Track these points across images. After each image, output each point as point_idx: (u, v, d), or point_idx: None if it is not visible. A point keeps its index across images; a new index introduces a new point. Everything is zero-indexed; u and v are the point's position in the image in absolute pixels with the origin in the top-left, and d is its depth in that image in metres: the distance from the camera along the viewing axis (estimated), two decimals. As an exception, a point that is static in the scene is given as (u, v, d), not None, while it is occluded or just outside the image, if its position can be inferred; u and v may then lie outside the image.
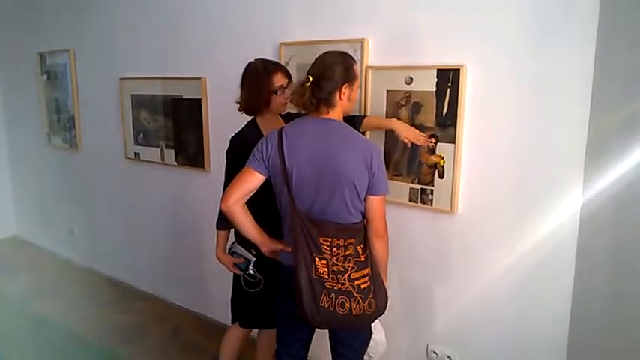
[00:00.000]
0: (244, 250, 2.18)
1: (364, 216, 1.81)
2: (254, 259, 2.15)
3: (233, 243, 2.23)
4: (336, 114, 1.80)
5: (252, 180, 1.82)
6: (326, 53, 1.85)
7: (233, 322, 2.41)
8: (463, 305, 2.31)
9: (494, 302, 2.23)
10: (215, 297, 3.33)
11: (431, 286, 2.33)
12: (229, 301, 2.38)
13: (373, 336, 2.02)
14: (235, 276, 2.30)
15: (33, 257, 4.70)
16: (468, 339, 2.33)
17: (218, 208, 2.13)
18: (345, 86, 1.76)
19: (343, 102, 1.79)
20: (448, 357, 2.38)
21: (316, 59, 1.81)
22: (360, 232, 1.79)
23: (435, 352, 2.41)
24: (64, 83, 4.16)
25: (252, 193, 1.85)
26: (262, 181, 1.84)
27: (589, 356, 1.92)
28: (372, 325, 2.00)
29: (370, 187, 1.76)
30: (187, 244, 3.47)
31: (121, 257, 4.06)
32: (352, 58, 1.83)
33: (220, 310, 3.01)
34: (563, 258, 2.02)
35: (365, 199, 1.78)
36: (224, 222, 2.15)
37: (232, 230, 2.22)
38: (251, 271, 2.18)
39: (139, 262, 3.90)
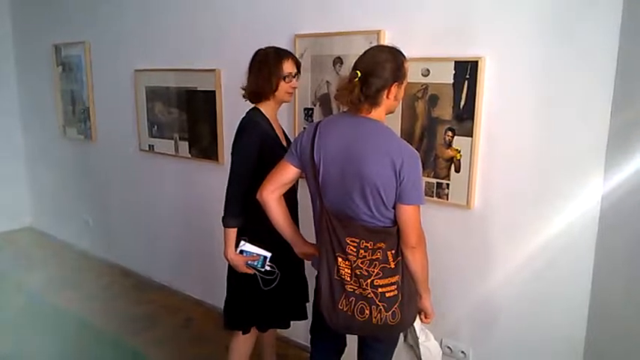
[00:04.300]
0: (257, 248, 2.09)
1: (395, 223, 1.69)
2: (270, 254, 2.08)
3: (242, 243, 2.11)
4: (377, 113, 1.68)
5: (286, 172, 1.79)
6: (376, 48, 1.75)
7: (238, 328, 2.24)
8: (478, 301, 2.29)
9: (510, 298, 2.20)
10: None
11: (446, 281, 2.31)
12: (226, 307, 2.27)
13: (424, 342, 1.88)
14: (235, 280, 2.18)
15: (48, 248, 4.75)
16: (483, 334, 2.31)
17: (224, 203, 2.08)
18: (394, 85, 1.65)
19: (389, 101, 1.68)
20: (462, 352, 2.36)
21: (365, 53, 1.69)
22: (392, 236, 1.66)
23: (449, 347, 2.39)
24: (79, 75, 4.18)
25: (288, 186, 1.82)
26: (297, 175, 1.80)
27: (606, 353, 1.90)
28: (417, 332, 1.87)
29: (399, 195, 1.62)
30: (201, 236, 3.48)
31: (135, 248, 4.09)
32: (403, 55, 1.70)
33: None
34: (582, 253, 1.99)
35: (395, 207, 1.66)
36: (234, 218, 2.07)
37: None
38: (268, 268, 2.09)
39: (153, 253, 3.92)
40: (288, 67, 2.06)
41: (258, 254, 2.09)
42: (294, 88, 2.12)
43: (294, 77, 2.09)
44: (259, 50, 2.12)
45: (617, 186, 1.80)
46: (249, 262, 2.10)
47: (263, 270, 2.10)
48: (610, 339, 1.86)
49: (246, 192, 1.97)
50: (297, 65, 2.13)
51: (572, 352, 2.07)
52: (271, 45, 2.15)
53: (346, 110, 1.75)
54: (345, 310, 1.65)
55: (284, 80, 2.06)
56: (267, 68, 2.04)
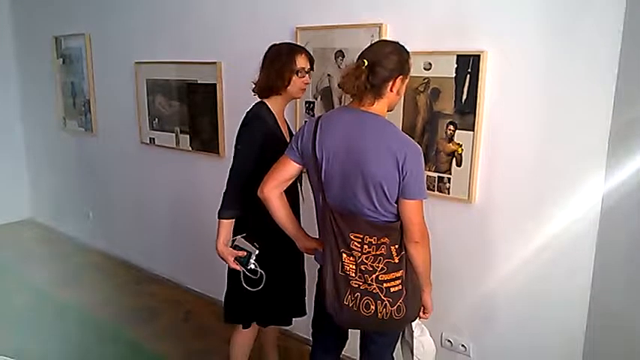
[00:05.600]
0: (247, 243, 2.04)
1: (399, 217, 1.68)
2: (257, 251, 2.03)
3: (237, 237, 2.08)
4: (380, 106, 1.68)
5: (287, 168, 1.78)
6: (381, 42, 1.77)
7: (238, 322, 2.25)
8: (479, 294, 2.29)
9: (511, 292, 2.20)
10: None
11: (447, 275, 2.30)
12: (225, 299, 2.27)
13: (418, 336, 1.88)
14: (234, 273, 2.14)
15: (48, 241, 4.76)
16: (483, 329, 2.31)
17: (222, 194, 2.06)
18: (399, 78, 1.66)
19: (392, 95, 1.67)
20: (463, 346, 2.37)
21: (372, 45, 1.71)
22: (396, 231, 1.66)
23: (449, 341, 2.40)
24: (80, 67, 4.17)
25: (289, 182, 1.82)
26: (299, 170, 1.79)
27: (606, 351, 1.90)
28: (412, 326, 1.88)
29: (402, 190, 1.62)
30: (201, 229, 3.47)
31: (136, 241, 4.10)
32: (407, 51, 1.70)
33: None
34: (583, 250, 1.99)
35: (398, 202, 1.65)
36: (229, 210, 2.05)
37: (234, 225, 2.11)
38: (252, 266, 2.03)
39: (154, 246, 3.93)
40: (301, 61, 2.03)
41: (246, 250, 2.05)
42: (307, 84, 2.09)
43: (307, 73, 2.06)
44: (272, 46, 2.09)
45: (619, 184, 1.79)
46: (237, 257, 2.07)
47: (247, 268, 2.05)
48: (610, 336, 1.86)
49: (247, 187, 1.95)
50: (311, 61, 2.10)
51: (572, 347, 2.07)
52: (274, 40, 2.13)
53: (347, 105, 1.74)
54: (350, 305, 1.66)
55: (297, 75, 2.02)
56: (279, 62, 2.01)
